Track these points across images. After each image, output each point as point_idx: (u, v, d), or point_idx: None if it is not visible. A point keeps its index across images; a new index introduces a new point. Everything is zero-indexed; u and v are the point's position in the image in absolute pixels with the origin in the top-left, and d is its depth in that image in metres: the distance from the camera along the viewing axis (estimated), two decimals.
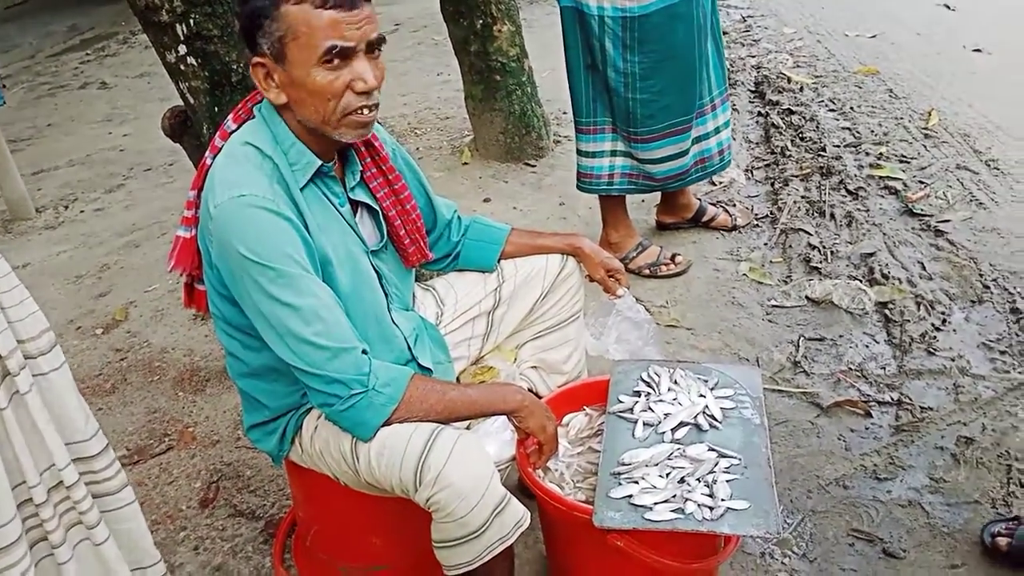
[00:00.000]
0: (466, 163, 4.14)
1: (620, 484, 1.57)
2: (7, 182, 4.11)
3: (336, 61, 1.42)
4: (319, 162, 1.53)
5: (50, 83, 6.69)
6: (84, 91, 6.37)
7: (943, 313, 2.67)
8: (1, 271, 1.31)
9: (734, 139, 3.95)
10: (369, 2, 1.45)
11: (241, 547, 2.09)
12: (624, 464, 1.62)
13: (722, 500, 1.51)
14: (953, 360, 2.47)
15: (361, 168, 1.65)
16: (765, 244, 3.20)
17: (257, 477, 2.30)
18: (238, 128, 1.57)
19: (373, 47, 1.46)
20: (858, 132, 3.95)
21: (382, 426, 1.48)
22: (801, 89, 4.49)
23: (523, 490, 1.99)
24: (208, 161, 1.57)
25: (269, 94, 1.50)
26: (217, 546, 2.10)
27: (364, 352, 1.49)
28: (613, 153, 2.95)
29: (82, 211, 4.29)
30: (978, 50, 4.79)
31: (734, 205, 3.43)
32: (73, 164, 4.93)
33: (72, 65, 7.13)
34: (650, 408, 1.76)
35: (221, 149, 1.56)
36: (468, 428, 1.74)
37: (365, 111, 1.47)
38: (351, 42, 1.41)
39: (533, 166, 4.05)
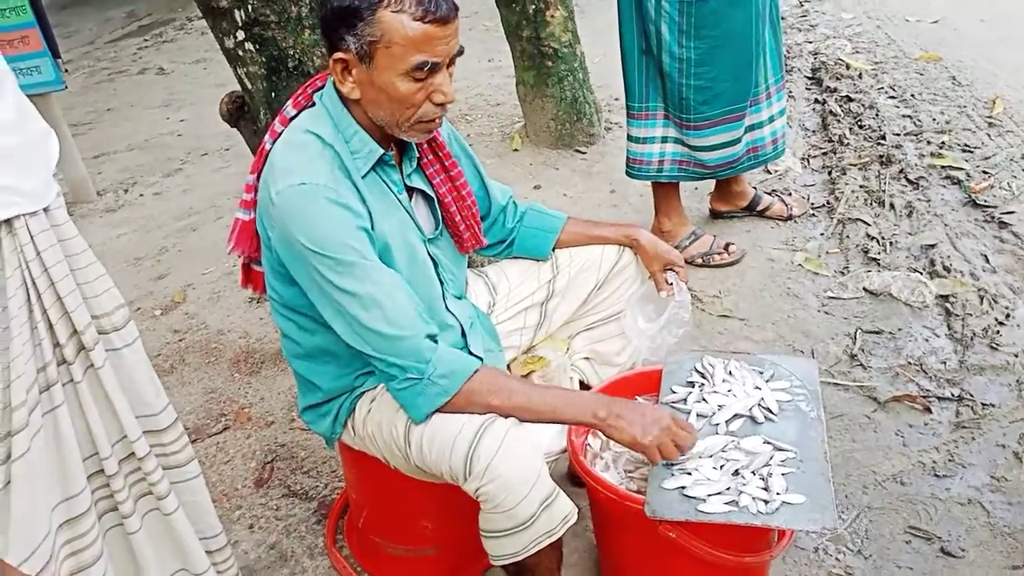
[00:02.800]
0: (516, 149, 4.13)
1: (673, 475, 1.56)
2: (69, 165, 4.21)
3: (424, 74, 1.44)
4: (381, 151, 1.55)
5: (109, 68, 6.84)
6: (142, 77, 6.49)
7: (1006, 307, 2.60)
8: (78, 247, 1.35)
9: (790, 127, 3.89)
10: (457, 13, 1.46)
11: (295, 527, 2.13)
12: None
13: (777, 493, 1.49)
14: (1016, 356, 2.40)
15: (418, 155, 1.66)
16: (821, 234, 3.15)
17: (310, 458, 2.33)
18: (297, 114, 1.59)
19: (454, 59, 1.48)
20: (919, 120, 3.85)
21: (436, 412, 1.50)
22: (860, 76, 4.39)
23: (573, 479, 2.01)
24: (267, 146, 1.59)
25: (344, 87, 1.51)
26: (271, 525, 2.14)
27: (431, 337, 1.49)
28: (664, 139, 2.92)
29: (141, 195, 4.38)
30: None
31: (789, 194, 3.37)
32: (132, 148, 5.04)
33: (130, 51, 7.27)
34: (704, 399, 1.74)
35: (281, 135, 1.57)
36: None
37: (438, 120, 1.52)
38: (440, 58, 1.44)
39: (584, 153, 4.03)
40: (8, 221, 1.21)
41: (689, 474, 1.55)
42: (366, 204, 1.51)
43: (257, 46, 2.26)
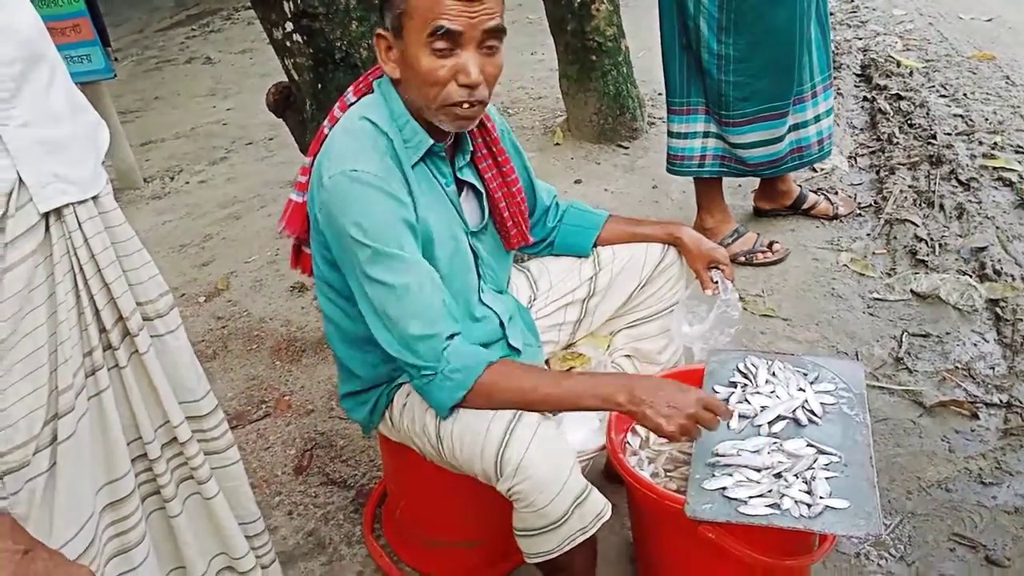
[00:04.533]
0: (558, 144, 4.12)
1: (714, 475, 1.55)
2: (117, 152, 4.29)
3: (443, 46, 1.41)
4: (431, 141, 1.54)
5: (157, 57, 6.94)
6: (189, 66, 6.58)
7: None
8: (124, 235, 1.36)
9: (837, 125, 3.83)
10: None
11: (333, 515, 2.14)
12: (719, 455, 1.59)
13: (820, 497, 1.47)
14: None
15: (472, 148, 1.65)
16: (868, 235, 3.09)
17: (349, 447, 2.35)
18: (357, 100, 1.60)
19: (488, 38, 1.43)
20: (971, 120, 3.77)
21: (459, 406, 1.49)
22: (911, 73, 4.31)
23: (611, 476, 1.99)
24: (326, 130, 1.61)
25: (387, 67, 1.52)
26: (310, 512, 2.16)
27: (453, 335, 1.48)
28: (706, 135, 2.88)
29: (187, 182, 4.44)
30: None
31: (836, 193, 3.32)
32: (179, 136, 5.11)
33: (178, 40, 7.37)
34: (746, 400, 1.72)
35: (339, 120, 1.58)
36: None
37: (466, 106, 1.46)
38: (459, 27, 1.39)
39: (626, 148, 4.01)
40: (57, 209, 1.23)
41: (731, 475, 1.54)
42: (413, 195, 1.52)
43: (305, 37, 2.28)
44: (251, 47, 6.71)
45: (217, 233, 3.82)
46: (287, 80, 2.56)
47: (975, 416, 2.22)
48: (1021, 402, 2.23)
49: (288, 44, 2.32)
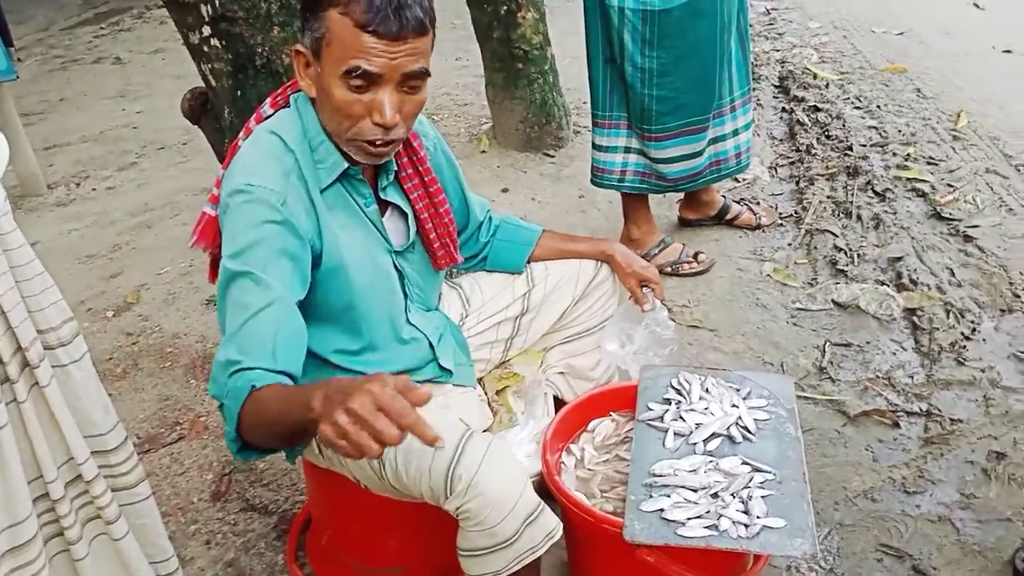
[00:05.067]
0: (484, 151, 4.07)
1: (651, 497, 1.53)
2: (19, 157, 4.05)
3: (360, 84, 1.35)
4: (345, 164, 1.48)
5: (63, 57, 6.62)
6: (98, 66, 6.29)
7: (973, 322, 2.61)
8: (23, 258, 1.26)
9: (757, 135, 3.89)
10: (425, 35, 1.37)
11: (254, 543, 2.05)
12: (655, 475, 1.58)
13: (757, 517, 1.46)
14: (983, 371, 2.41)
15: (396, 168, 1.59)
16: (789, 244, 3.14)
17: (270, 471, 2.25)
18: (274, 113, 1.53)
19: (409, 79, 1.38)
20: (885, 132, 3.88)
21: (239, 436, 1.25)
22: (827, 85, 4.41)
23: (543, 495, 1.95)
24: (240, 142, 1.54)
25: (303, 83, 1.46)
26: (229, 541, 2.06)
27: (251, 367, 1.26)
28: (627, 150, 2.88)
29: (94, 189, 4.23)
30: (1008, 51, 4.71)
31: (758, 203, 3.36)
32: (86, 140, 4.87)
33: (86, 39, 7.05)
34: (681, 417, 1.71)
35: (252, 132, 1.52)
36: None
37: (379, 143, 1.41)
38: (377, 69, 1.34)
39: (552, 156, 3.99)
40: None
41: (668, 496, 1.52)
42: (319, 218, 1.45)
43: (224, 42, 2.18)
44: (164, 47, 6.46)
45: (127, 243, 3.64)
46: (204, 85, 2.45)
47: (896, 425, 2.26)
48: (940, 411, 2.28)
49: (205, 49, 2.22)
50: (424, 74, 1.39)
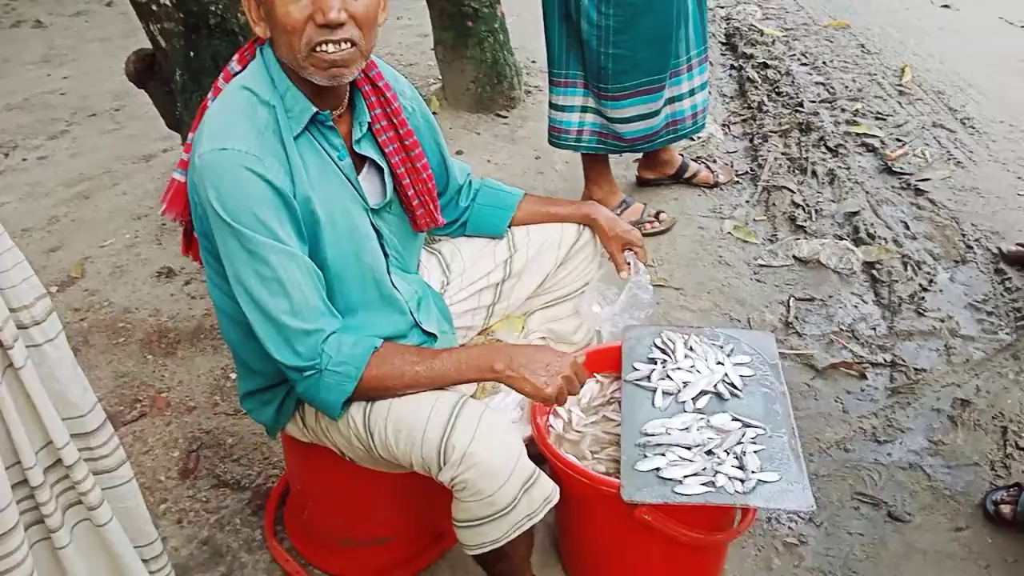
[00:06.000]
0: (435, 112, 3.95)
1: (646, 456, 1.52)
2: None
3: None
4: (313, 109, 1.42)
5: None
6: (17, 30, 5.95)
7: (929, 273, 2.68)
8: None
9: (710, 93, 3.89)
10: None
11: (228, 519, 1.99)
12: (648, 435, 1.57)
13: (752, 472, 1.47)
14: (943, 321, 2.48)
15: (369, 119, 1.53)
16: (747, 201, 3.16)
17: (240, 445, 2.19)
18: (243, 70, 1.45)
19: None
20: (832, 88, 3.93)
21: (349, 402, 1.42)
22: (773, 42, 4.44)
23: (535, 458, 1.94)
24: (208, 103, 1.47)
25: (257, 28, 1.41)
26: (202, 519, 2.00)
27: (332, 332, 1.40)
28: (584, 109, 2.84)
29: (24, 159, 4.01)
30: (946, 6, 4.81)
31: (714, 161, 3.37)
32: (11, 108, 4.61)
33: (2, 2, 6.67)
34: (668, 376, 1.70)
35: (221, 91, 1.44)
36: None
37: (331, 47, 1.34)
38: None
39: (505, 117, 3.93)
40: None
41: (663, 455, 1.51)
42: (292, 170, 1.39)
43: (174, 1, 2.06)
44: (86, 9, 6.15)
45: (64, 215, 3.47)
46: (150, 47, 2.33)
47: (863, 376, 2.31)
48: (904, 361, 2.34)
49: (154, 8, 2.10)
50: None
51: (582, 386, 1.48)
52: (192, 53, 2.12)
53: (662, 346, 1.78)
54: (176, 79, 2.21)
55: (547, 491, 1.43)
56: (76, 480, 1.30)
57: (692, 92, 2.91)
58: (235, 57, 1.49)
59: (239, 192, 1.33)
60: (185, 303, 2.77)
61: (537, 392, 1.42)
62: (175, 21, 2.09)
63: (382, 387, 1.42)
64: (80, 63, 5.18)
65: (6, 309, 1.17)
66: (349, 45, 1.35)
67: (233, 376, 2.38)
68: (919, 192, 3.10)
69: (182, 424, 2.28)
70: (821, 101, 3.80)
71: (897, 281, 2.64)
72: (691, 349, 1.77)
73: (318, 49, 1.34)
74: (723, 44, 4.58)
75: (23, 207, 3.57)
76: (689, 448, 1.53)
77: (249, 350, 1.55)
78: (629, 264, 1.81)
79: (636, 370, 1.73)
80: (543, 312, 1.88)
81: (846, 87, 3.91)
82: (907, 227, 2.91)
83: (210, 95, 1.48)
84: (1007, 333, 2.43)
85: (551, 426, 1.71)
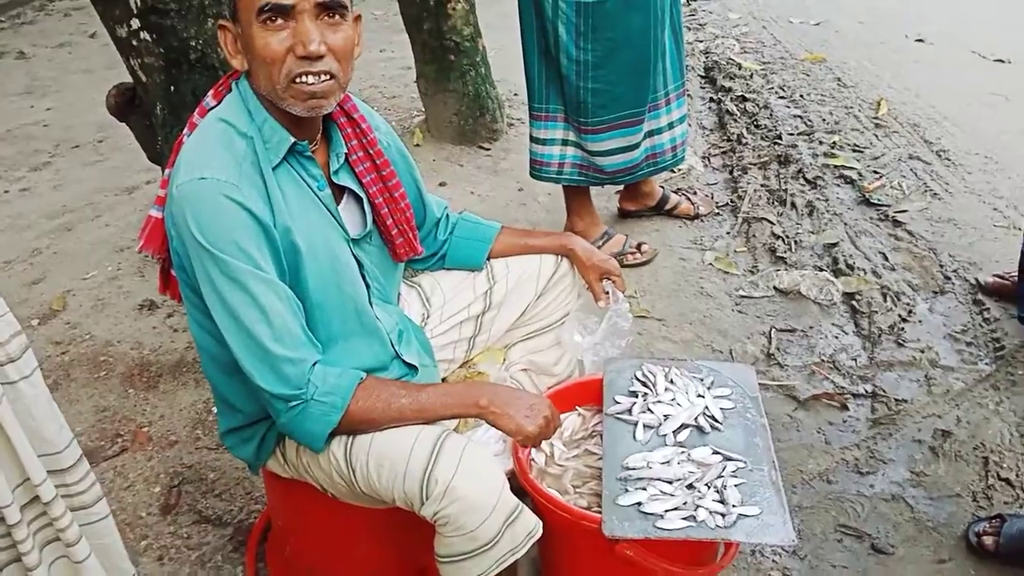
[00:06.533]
0: (418, 145, 4.01)
1: (627, 490, 1.52)
2: None
3: (274, 18, 1.32)
4: (291, 139, 1.43)
5: None
6: (0, 61, 5.97)
7: (908, 304, 2.70)
8: None
9: (689, 126, 3.94)
10: None
11: (210, 556, 1.97)
12: (629, 469, 1.57)
13: (733, 506, 1.47)
14: (922, 352, 2.50)
15: (346, 151, 1.54)
16: (728, 233, 3.19)
17: (222, 480, 2.17)
18: (218, 104, 1.46)
19: (326, 8, 1.34)
20: (810, 120, 3.99)
21: (332, 435, 1.42)
22: (751, 76, 4.51)
23: (517, 492, 1.94)
24: (184, 138, 1.47)
25: (234, 61, 1.42)
26: (183, 555, 1.98)
27: (315, 362, 1.40)
28: (564, 142, 2.87)
29: (6, 191, 4.00)
30: (920, 40, 4.90)
31: (695, 193, 3.40)
32: None
33: None
34: (649, 409, 1.71)
35: (197, 126, 1.45)
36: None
37: (310, 79, 1.35)
38: (287, 0, 1.31)
39: (487, 149, 3.96)
40: None
41: (644, 489, 1.52)
42: (271, 201, 1.40)
43: (154, 36, 2.09)
44: (70, 40, 6.17)
45: (46, 247, 3.46)
46: (130, 81, 2.34)
47: (845, 407, 2.32)
48: (885, 392, 2.35)
49: (134, 43, 2.11)
50: (340, 6, 1.36)
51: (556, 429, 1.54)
52: (172, 88, 2.13)
53: (643, 379, 1.79)
54: (156, 113, 2.22)
55: (530, 526, 1.43)
56: (54, 517, 1.29)
57: (671, 125, 2.94)
58: (210, 92, 1.51)
59: (218, 220, 1.33)
60: (167, 336, 2.76)
61: (520, 429, 1.46)
62: (155, 56, 2.10)
63: (367, 419, 1.42)
64: (63, 94, 5.19)
65: None
66: (328, 77, 1.37)
67: (215, 410, 2.36)
68: (897, 223, 3.14)
69: (163, 459, 2.26)
70: (799, 134, 3.85)
71: (877, 312, 2.66)
72: (672, 382, 1.77)
73: (298, 80, 1.35)
74: (702, 77, 4.64)
75: (5, 239, 3.55)
76: (670, 482, 1.53)
77: (230, 387, 1.55)
78: (607, 293, 1.83)
79: (617, 403, 1.74)
80: (524, 344, 1.89)
81: (823, 120, 3.97)
82: (886, 258, 2.94)
83: (186, 131, 1.49)
84: (986, 363, 2.45)
85: (533, 460, 1.71)
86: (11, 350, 1.24)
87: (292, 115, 1.41)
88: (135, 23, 2.11)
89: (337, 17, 1.36)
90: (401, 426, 1.43)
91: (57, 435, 1.31)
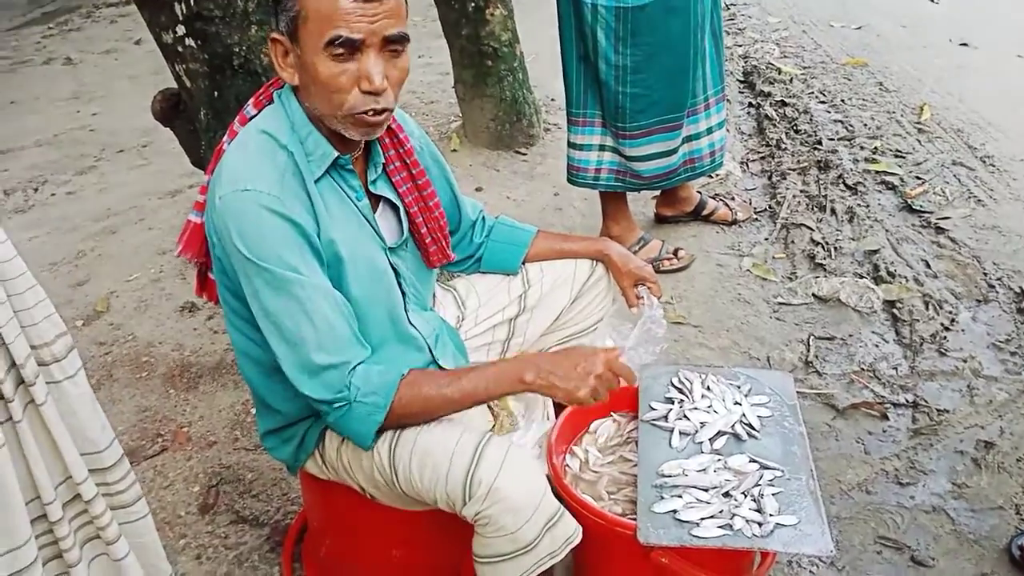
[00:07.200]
0: (455, 150, 4.04)
1: (663, 497, 1.51)
2: None
3: (343, 52, 1.33)
4: (335, 153, 1.45)
5: (11, 58, 6.42)
6: (48, 67, 6.12)
7: (951, 312, 2.65)
8: (15, 271, 1.21)
9: (727, 131, 3.91)
10: None
11: (247, 556, 1.99)
12: (664, 476, 1.57)
13: (770, 515, 1.46)
14: (965, 361, 2.45)
15: (384, 160, 1.56)
16: (766, 239, 3.16)
17: (259, 481, 2.20)
18: (258, 113, 1.48)
19: (391, 43, 1.35)
20: (851, 125, 3.93)
21: (381, 431, 1.43)
22: (791, 80, 4.46)
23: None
24: (224, 146, 1.49)
25: (284, 74, 1.43)
26: (221, 555, 2.01)
27: (359, 363, 1.42)
28: (601, 148, 2.87)
29: (53, 194, 4.10)
30: (965, 44, 4.81)
31: (733, 198, 3.37)
32: (40, 144, 4.72)
33: (33, 39, 6.85)
34: (685, 416, 1.70)
35: (237, 135, 1.47)
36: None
37: (371, 114, 1.38)
38: (358, 35, 1.32)
39: (524, 154, 3.97)
40: None
41: (680, 496, 1.51)
42: (316, 214, 1.42)
43: (199, 42, 2.12)
44: (116, 47, 6.31)
45: (92, 249, 3.53)
46: (175, 86, 2.38)
47: (885, 417, 2.28)
48: (926, 401, 2.31)
49: (180, 49, 2.15)
50: (404, 38, 1.37)
51: (628, 383, 1.47)
52: (216, 93, 2.17)
53: (679, 385, 1.78)
54: (200, 118, 2.26)
55: (570, 531, 1.43)
56: (94, 515, 1.31)
57: (710, 130, 2.93)
58: (251, 101, 1.52)
59: (261, 232, 1.35)
60: (208, 338, 2.80)
61: (570, 396, 1.42)
62: (200, 62, 2.14)
63: (413, 413, 1.43)
64: (109, 100, 5.30)
65: (28, 346, 1.20)
66: (387, 111, 1.40)
67: (253, 411, 2.39)
68: (940, 230, 3.09)
69: (202, 459, 2.30)
70: (839, 139, 3.80)
71: (918, 320, 2.62)
72: (708, 389, 1.76)
73: (361, 114, 1.37)
74: (741, 82, 4.61)
75: (51, 241, 3.64)
76: (706, 490, 1.52)
77: (269, 388, 1.57)
78: (641, 299, 1.82)
79: (653, 409, 1.73)
80: (558, 348, 1.89)
81: (864, 125, 3.91)
82: (928, 265, 2.89)
83: (226, 138, 1.51)
84: None
85: (567, 466, 1.71)
86: (56, 350, 1.27)
87: (340, 133, 1.43)
88: (180, 29, 2.15)
89: (398, 46, 1.37)
90: (450, 414, 1.45)
91: (99, 434, 1.34)
